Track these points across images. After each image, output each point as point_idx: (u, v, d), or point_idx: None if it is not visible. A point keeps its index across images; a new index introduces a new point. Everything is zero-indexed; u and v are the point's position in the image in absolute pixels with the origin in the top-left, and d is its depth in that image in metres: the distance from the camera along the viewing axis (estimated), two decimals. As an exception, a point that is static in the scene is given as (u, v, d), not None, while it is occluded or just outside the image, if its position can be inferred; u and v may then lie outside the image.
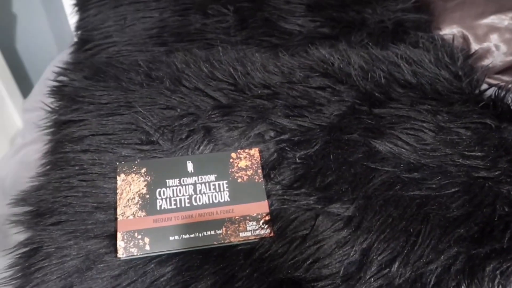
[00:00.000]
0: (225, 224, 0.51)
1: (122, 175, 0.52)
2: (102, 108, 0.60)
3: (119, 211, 0.50)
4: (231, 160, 0.55)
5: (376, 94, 0.62)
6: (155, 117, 0.59)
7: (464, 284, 0.50)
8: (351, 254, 0.48)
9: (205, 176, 0.53)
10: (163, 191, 0.52)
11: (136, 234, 0.49)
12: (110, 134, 0.57)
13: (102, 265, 0.47)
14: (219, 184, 0.53)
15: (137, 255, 0.48)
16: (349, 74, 0.65)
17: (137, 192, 0.51)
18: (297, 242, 0.49)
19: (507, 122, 0.59)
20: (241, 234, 0.50)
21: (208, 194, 0.52)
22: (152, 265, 0.48)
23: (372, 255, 0.48)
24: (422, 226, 0.50)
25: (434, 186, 0.52)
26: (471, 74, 0.68)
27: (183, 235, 0.49)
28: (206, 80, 0.62)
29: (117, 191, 0.51)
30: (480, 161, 0.54)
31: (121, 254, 0.48)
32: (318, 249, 0.48)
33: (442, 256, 0.49)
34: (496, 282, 0.51)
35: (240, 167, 0.54)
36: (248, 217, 0.51)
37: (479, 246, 0.50)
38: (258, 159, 0.55)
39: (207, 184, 0.53)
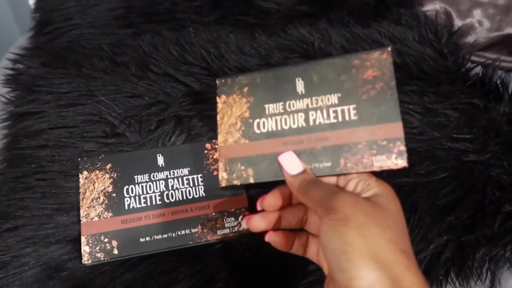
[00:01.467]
0: (201, 221, 0.46)
1: (85, 173, 0.47)
2: (61, 98, 0.55)
3: (82, 212, 0.45)
4: (205, 151, 0.50)
5: (359, 75, 0.58)
6: (120, 106, 0.53)
7: (453, 272, 0.49)
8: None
9: (178, 170, 0.49)
10: (131, 188, 0.47)
11: (102, 237, 0.44)
12: (71, 127, 0.52)
13: (65, 273, 0.43)
14: (193, 178, 0.49)
15: (104, 260, 0.43)
16: (330, 54, 0.61)
17: (102, 191, 0.46)
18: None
19: (495, 102, 0.56)
20: (219, 232, 0.46)
21: (181, 189, 0.48)
22: (121, 270, 0.44)
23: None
24: (411, 215, 0.47)
25: (422, 172, 0.49)
26: (456, 52, 0.65)
27: (155, 236, 0.45)
28: (176, 65, 0.57)
29: (80, 191, 0.46)
30: (469, 144, 0.51)
31: (86, 260, 0.43)
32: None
33: (432, 245, 0.47)
34: (485, 268, 0.49)
35: (216, 158, 0.50)
36: (226, 213, 0.47)
37: (469, 233, 0.48)
38: None
39: (180, 179, 0.48)
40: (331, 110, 0.40)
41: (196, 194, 0.48)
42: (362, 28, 0.68)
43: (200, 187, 0.48)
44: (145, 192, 0.47)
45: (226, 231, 0.46)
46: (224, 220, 0.47)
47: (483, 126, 0.53)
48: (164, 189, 0.48)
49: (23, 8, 0.96)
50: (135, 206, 0.46)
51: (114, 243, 0.44)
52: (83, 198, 0.46)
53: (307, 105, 0.41)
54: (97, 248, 0.44)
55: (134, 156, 0.49)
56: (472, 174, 0.49)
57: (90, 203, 0.46)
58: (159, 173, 0.48)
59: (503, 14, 0.74)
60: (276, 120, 0.41)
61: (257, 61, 0.60)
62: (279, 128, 0.40)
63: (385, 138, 0.39)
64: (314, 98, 0.41)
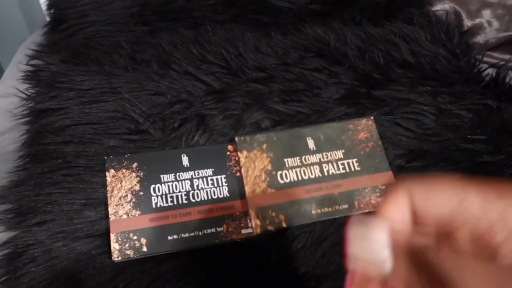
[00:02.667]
0: (226, 221, 0.48)
1: (112, 171, 0.48)
2: (83, 95, 0.56)
3: (110, 210, 0.46)
4: (228, 153, 0.52)
5: (375, 75, 0.59)
6: (143, 104, 0.54)
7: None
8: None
9: (202, 170, 0.50)
10: (158, 187, 0.48)
11: (131, 234, 0.45)
12: (95, 123, 0.53)
13: (95, 267, 0.44)
14: (217, 179, 0.50)
15: (133, 257, 0.45)
16: (346, 55, 0.62)
17: (129, 189, 0.47)
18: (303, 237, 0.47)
19: (508, 103, 0.58)
20: (243, 231, 0.47)
21: (206, 189, 0.49)
22: (149, 264, 0.45)
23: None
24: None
25: (437, 173, 0.50)
26: (468, 52, 0.66)
27: (182, 234, 0.46)
28: (197, 63, 0.58)
29: (107, 189, 0.47)
30: (483, 145, 0.53)
31: (116, 257, 0.44)
32: (323, 242, 0.46)
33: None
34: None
35: (237, 160, 0.51)
36: (249, 213, 0.48)
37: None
38: None
39: (204, 179, 0.50)
40: (339, 163, 0.50)
41: (221, 194, 0.49)
42: (375, 27, 0.69)
43: (224, 187, 0.49)
44: (171, 191, 0.48)
45: (250, 230, 0.48)
46: (248, 220, 0.48)
47: (496, 127, 0.55)
48: (190, 189, 0.49)
49: (32, 4, 0.97)
50: (162, 205, 0.47)
51: (143, 240, 0.45)
52: (111, 196, 0.47)
53: (320, 159, 0.50)
54: (127, 245, 0.45)
55: (159, 156, 0.50)
56: (486, 175, 0.51)
57: (118, 201, 0.47)
58: (184, 173, 0.50)
59: (513, 15, 0.75)
60: (296, 172, 0.48)
61: (274, 60, 0.61)
62: (299, 178, 0.48)
63: (383, 184, 0.50)
64: (324, 154, 0.50)
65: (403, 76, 0.60)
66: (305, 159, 0.48)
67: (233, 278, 0.47)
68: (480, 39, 0.76)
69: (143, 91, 0.55)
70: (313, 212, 0.46)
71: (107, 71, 0.58)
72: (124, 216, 0.46)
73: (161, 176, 0.49)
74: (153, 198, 0.48)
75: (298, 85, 0.58)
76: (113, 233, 0.45)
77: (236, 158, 0.51)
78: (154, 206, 0.47)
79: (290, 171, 0.47)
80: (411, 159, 0.52)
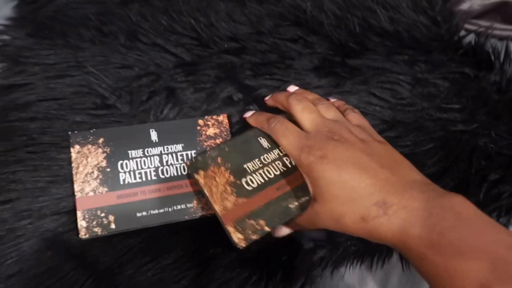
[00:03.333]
0: (196, 197, 0.47)
1: (77, 147, 0.47)
2: (49, 70, 0.54)
3: (76, 187, 0.45)
4: (198, 127, 0.50)
5: (351, 44, 0.57)
6: (110, 77, 0.53)
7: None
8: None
9: (172, 145, 0.49)
10: (126, 163, 0.47)
11: (98, 212, 0.45)
12: (60, 98, 0.51)
13: (62, 245, 0.44)
14: (187, 154, 0.49)
15: (101, 234, 0.44)
16: (322, 23, 0.60)
17: (95, 166, 0.46)
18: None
19: (486, 71, 0.56)
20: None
21: (176, 165, 0.48)
22: (116, 239, 0.45)
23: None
24: (398, 185, 0.48)
25: (409, 143, 0.50)
26: (450, 19, 0.64)
27: (151, 211, 0.46)
28: (166, 34, 0.56)
29: (73, 165, 0.46)
30: (458, 114, 0.52)
31: (84, 234, 0.44)
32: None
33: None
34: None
35: (209, 135, 0.50)
36: None
37: (454, 201, 0.49)
38: (227, 126, 0.51)
39: (174, 155, 0.48)
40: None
41: None
42: (355, -6, 0.67)
43: None
44: (139, 168, 0.47)
45: None
46: None
47: (472, 95, 0.53)
48: (159, 165, 0.48)
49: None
50: (130, 181, 0.46)
51: (111, 217, 0.45)
52: (76, 173, 0.46)
53: (278, 154, 0.47)
54: (94, 222, 0.44)
55: (126, 130, 0.48)
56: (459, 143, 0.50)
57: (84, 177, 0.46)
58: (153, 148, 0.48)
59: (499, -20, 0.72)
60: (260, 174, 0.45)
61: (248, 29, 0.59)
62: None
63: None
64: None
65: (380, 45, 0.58)
66: (264, 158, 0.46)
67: (203, 253, 0.47)
68: (465, 6, 0.74)
69: (110, 64, 0.53)
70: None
71: (73, 44, 0.56)
72: (91, 193, 0.45)
73: (129, 152, 0.47)
74: (120, 174, 0.46)
75: (270, 57, 0.56)
76: (79, 210, 0.44)
77: (207, 133, 0.50)
78: (122, 182, 0.46)
79: (253, 175, 0.45)
80: (384, 130, 0.51)
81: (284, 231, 0.45)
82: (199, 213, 0.47)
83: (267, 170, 0.45)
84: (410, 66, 0.56)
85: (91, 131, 0.48)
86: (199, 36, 0.56)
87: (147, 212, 0.46)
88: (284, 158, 0.47)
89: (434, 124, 0.51)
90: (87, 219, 0.44)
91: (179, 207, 0.46)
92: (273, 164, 0.46)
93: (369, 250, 0.50)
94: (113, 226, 0.45)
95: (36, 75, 0.54)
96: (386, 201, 0.34)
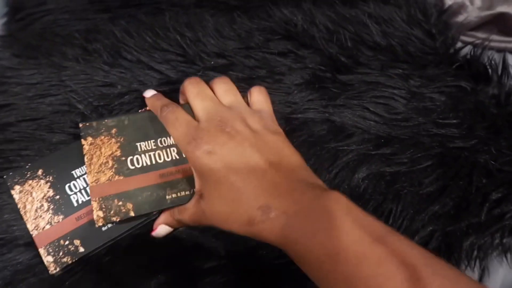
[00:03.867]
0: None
1: (17, 187, 0.43)
2: (30, 89, 0.52)
3: (30, 226, 0.42)
4: None
5: (342, 59, 0.55)
6: (91, 96, 0.51)
7: (440, 261, 0.47)
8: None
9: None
10: (73, 184, 0.44)
11: (61, 241, 0.42)
12: (39, 118, 0.49)
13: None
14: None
15: (72, 262, 0.42)
16: (313, 37, 0.58)
17: (43, 198, 0.43)
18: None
19: (483, 84, 0.54)
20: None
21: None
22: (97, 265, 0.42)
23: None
24: (393, 206, 0.45)
25: (405, 160, 0.47)
26: (446, 32, 0.62)
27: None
28: (150, 51, 0.54)
29: (18, 206, 0.43)
30: (455, 129, 0.49)
31: (54, 269, 0.41)
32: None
33: (416, 236, 0.45)
34: (473, 256, 0.48)
35: None
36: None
37: (455, 222, 0.46)
38: None
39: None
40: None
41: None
42: (349, 9, 0.65)
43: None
44: (88, 183, 0.44)
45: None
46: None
47: (470, 109, 0.51)
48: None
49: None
50: (84, 200, 0.44)
51: (77, 242, 0.42)
52: (25, 213, 0.43)
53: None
54: (61, 253, 0.41)
55: (63, 153, 0.45)
56: (458, 161, 0.48)
57: (35, 214, 0.43)
58: None
59: (495, -9, 0.71)
60: (150, 156, 0.43)
61: (236, 44, 0.57)
62: (153, 162, 0.43)
63: None
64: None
65: (373, 59, 0.56)
66: (160, 142, 0.44)
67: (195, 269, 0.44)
68: (461, 18, 0.72)
69: (92, 82, 0.52)
70: (167, 197, 0.43)
71: (57, 63, 0.55)
72: (47, 226, 0.42)
73: (72, 172, 0.45)
74: (72, 197, 0.44)
75: (259, 72, 0.54)
76: (41, 248, 0.42)
77: None
78: (76, 204, 0.44)
79: (142, 155, 0.43)
80: (379, 145, 0.49)
81: (163, 229, 0.43)
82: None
83: (158, 154, 0.43)
84: (404, 80, 0.54)
85: (27, 166, 0.44)
86: (184, 52, 0.55)
87: (112, 223, 0.43)
88: None
89: (431, 140, 0.49)
90: (52, 253, 0.41)
91: None
92: (167, 150, 0.44)
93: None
94: (81, 249, 0.42)
95: (17, 95, 0.53)
96: (270, 205, 0.35)
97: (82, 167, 0.45)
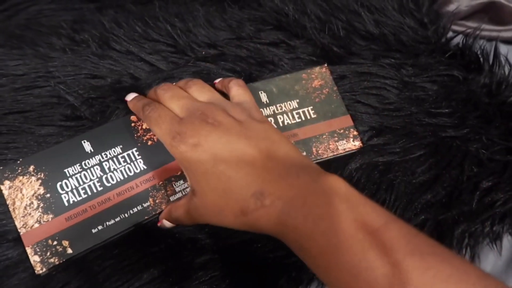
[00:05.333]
0: (150, 194, 0.44)
1: (7, 182, 0.42)
2: (16, 81, 0.51)
3: (18, 223, 0.41)
4: (132, 124, 0.47)
5: (335, 48, 0.55)
6: (81, 87, 0.50)
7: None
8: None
9: (109, 150, 0.45)
10: (65, 183, 0.43)
11: (50, 241, 0.41)
12: (27, 111, 0.48)
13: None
14: (128, 155, 0.45)
15: (59, 263, 0.40)
16: (305, 26, 0.57)
17: (33, 195, 0.42)
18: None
19: (475, 73, 0.54)
20: (172, 198, 0.44)
21: (119, 169, 0.44)
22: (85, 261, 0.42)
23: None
24: (386, 195, 0.46)
25: (398, 150, 0.47)
26: (437, 21, 0.62)
27: (107, 222, 0.42)
28: (140, 42, 0.53)
29: (8, 203, 0.41)
30: (448, 119, 0.49)
31: (40, 269, 0.40)
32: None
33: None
34: (464, 244, 0.49)
35: (145, 128, 0.47)
36: (172, 178, 0.45)
37: (447, 210, 0.47)
38: None
39: (114, 159, 0.45)
40: (294, 112, 0.50)
41: (137, 169, 0.45)
42: (340, -3, 0.65)
43: (138, 161, 0.45)
44: (81, 183, 0.43)
45: (179, 195, 0.45)
46: (174, 185, 0.45)
47: (462, 98, 0.51)
48: (101, 174, 0.44)
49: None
50: (75, 200, 0.43)
51: (65, 242, 0.41)
52: (14, 209, 0.41)
53: (274, 111, 0.49)
54: (48, 253, 0.40)
55: (56, 150, 0.44)
56: (450, 150, 0.48)
57: (24, 211, 0.41)
58: (90, 159, 0.44)
59: (486, -20, 0.71)
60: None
61: (227, 34, 0.57)
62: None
63: (341, 127, 0.49)
64: (278, 105, 0.50)
65: (365, 48, 0.56)
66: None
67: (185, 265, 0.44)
68: (452, 7, 0.72)
69: (81, 74, 0.51)
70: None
71: (43, 53, 0.53)
72: (36, 225, 0.41)
73: (65, 170, 0.43)
74: (63, 196, 0.43)
75: (251, 62, 0.53)
76: (28, 246, 0.40)
77: (143, 126, 0.47)
78: (66, 204, 0.42)
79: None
80: (372, 136, 0.49)
81: (166, 223, 0.43)
82: (158, 209, 0.44)
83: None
84: (397, 70, 0.54)
85: (18, 161, 0.43)
86: (175, 42, 0.54)
87: (103, 225, 0.42)
88: (278, 116, 0.49)
89: (424, 130, 0.49)
90: (39, 253, 0.40)
91: (135, 209, 0.43)
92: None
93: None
94: (69, 251, 0.41)
95: (3, 87, 0.51)
96: (263, 191, 0.33)
97: (75, 166, 0.44)
